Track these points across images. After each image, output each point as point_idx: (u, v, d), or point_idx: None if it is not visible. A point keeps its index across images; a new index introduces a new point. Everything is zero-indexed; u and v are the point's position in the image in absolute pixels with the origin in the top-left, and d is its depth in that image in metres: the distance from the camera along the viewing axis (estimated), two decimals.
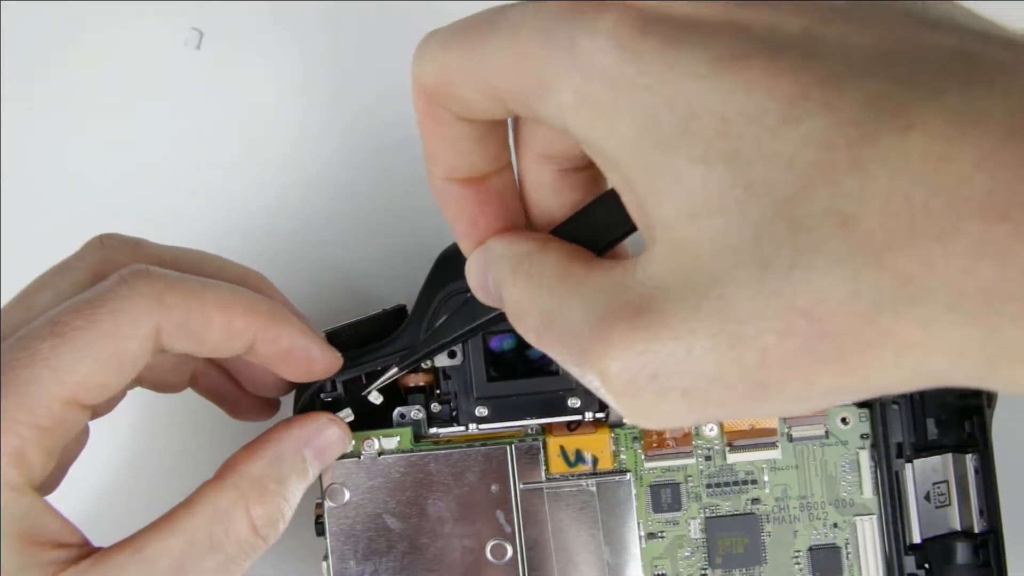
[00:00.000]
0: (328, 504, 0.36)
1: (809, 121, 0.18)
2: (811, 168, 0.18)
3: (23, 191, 0.46)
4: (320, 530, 0.36)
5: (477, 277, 0.28)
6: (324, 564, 0.36)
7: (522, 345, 0.36)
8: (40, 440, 0.29)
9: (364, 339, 0.37)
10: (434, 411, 0.37)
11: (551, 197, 0.27)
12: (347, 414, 0.36)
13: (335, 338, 0.36)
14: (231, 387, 0.38)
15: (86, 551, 0.30)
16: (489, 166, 0.27)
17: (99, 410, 0.35)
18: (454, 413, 0.36)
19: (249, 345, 0.32)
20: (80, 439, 0.35)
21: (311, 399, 0.36)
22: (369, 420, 0.36)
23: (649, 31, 0.20)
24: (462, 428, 0.36)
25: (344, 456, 0.36)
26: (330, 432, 0.34)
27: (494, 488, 0.36)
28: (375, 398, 0.36)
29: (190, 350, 0.32)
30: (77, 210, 0.46)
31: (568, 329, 0.23)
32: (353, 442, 0.36)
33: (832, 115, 0.18)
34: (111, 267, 0.32)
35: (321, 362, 0.34)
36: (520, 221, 0.28)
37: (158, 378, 0.37)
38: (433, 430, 0.37)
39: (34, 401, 0.29)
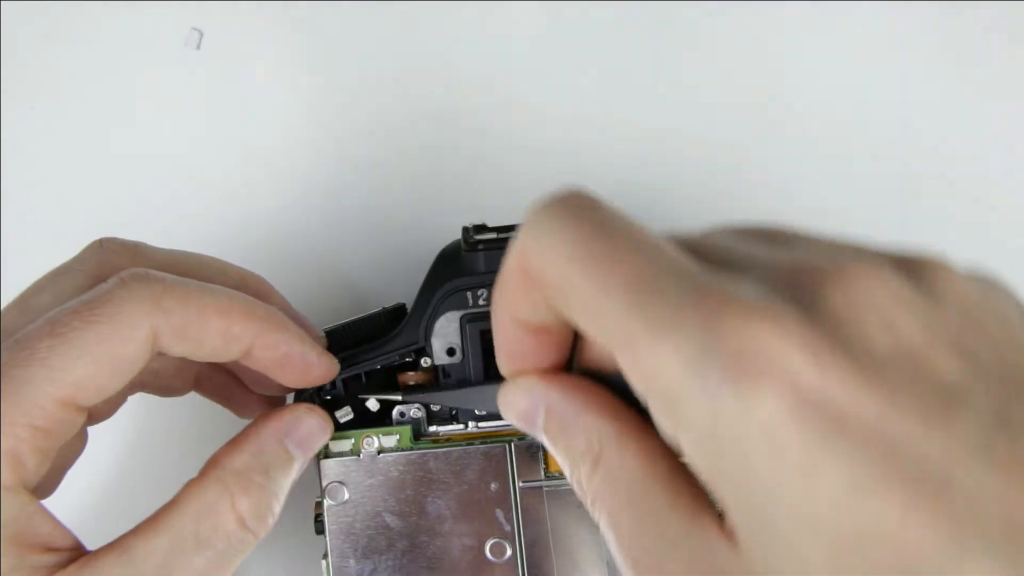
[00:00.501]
0: (327, 502, 0.36)
1: None
2: None
3: (22, 191, 0.46)
4: (320, 528, 0.36)
5: (522, 410, 0.28)
6: (324, 562, 0.36)
7: None
8: (35, 440, 0.29)
9: (364, 337, 0.37)
10: (433, 409, 0.37)
11: (607, 357, 0.27)
12: (346, 412, 0.36)
13: (334, 336, 0.36)
14: (236, 387, 0.38)
15: (77, 554, 0.30)
16: (558, 325, 0.27)
17: (98, 415, 0.35)
18: (453, 411, 0.36)
19: (247, 350, 0.32)
20: (78, 443, 0.35)
21: (311, 397, 0.36)
22: (369, 418, 0.36)
23: (799, 421, 0.20)
24: (461, 426, 0.36)
25: (344, 454, 0.36)
26: (310, 421, 0.34)
27: (493, 486, 0.36)
28: (372, 405, 0.36)
29: (188, 354, 0.32)
30: (76, 210, 0.46)
31: (641, 553, 0.24)
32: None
33: None
34: (110, 271, 0.32)
35: (318, 368, 0.34)
36: (564, 360, 0.28)
37: (162, 383, 0.37)
38: (432, 428, 0.37)
39: (30, 401, 0.28)
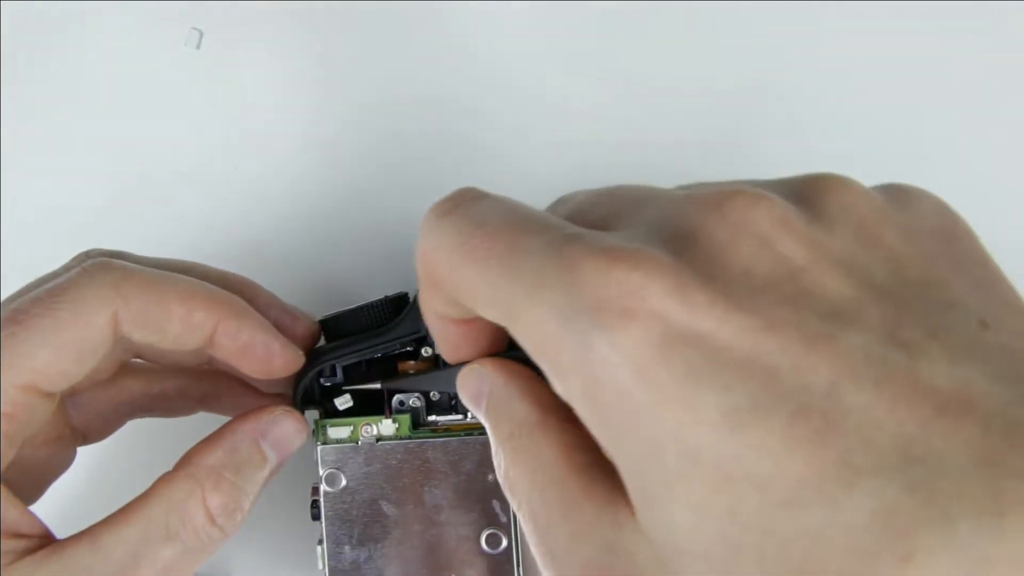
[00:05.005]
0: (324, 489, 0.36)
1: (812, 513, 0.18)
2: (802, 559, 0.18)
3: (22, 190, 0.46)
4: (316, 514, 0.36)
5: (471, 392, 0.28)
6: (319, 548, 0.36)
7: None
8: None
9: (365, 325, 0.36)
10: (433, 399, 0.37)
11: None
12: (346, 400, 0.36)
13: (334, 324, 0.36)
14: (247, 395, 0.38)
15: (45, 542, 0.30)
16: (476, 315, 0.26)
17: (92, 435, 0.36)
18: (453, 402, 0.36)
19: (209, 337, 0.32)
20: (64, 458, 0.36)
21: (311, 384, 0.36)
22: (368, 407, 0.36)
23: (669, 356, 0.19)
24: (460, 416, 0.36)
25: (342, 442, 0.36)
26: (286, 424, 0.34)
27: (491, 477, 0.36)
28: (342, 402, 0.36)
29: (151, 341, 0.32)
30: (75, 210, 0.46)
31: (554, 544, 0.23)
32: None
33: (836, 516, 0.18)
34: None
35: (280, 358, 0.34)
36: (502, 345, 0.29)
37: (165, 404, 0.37)
38: (432, 417, 0.37)
39: None
